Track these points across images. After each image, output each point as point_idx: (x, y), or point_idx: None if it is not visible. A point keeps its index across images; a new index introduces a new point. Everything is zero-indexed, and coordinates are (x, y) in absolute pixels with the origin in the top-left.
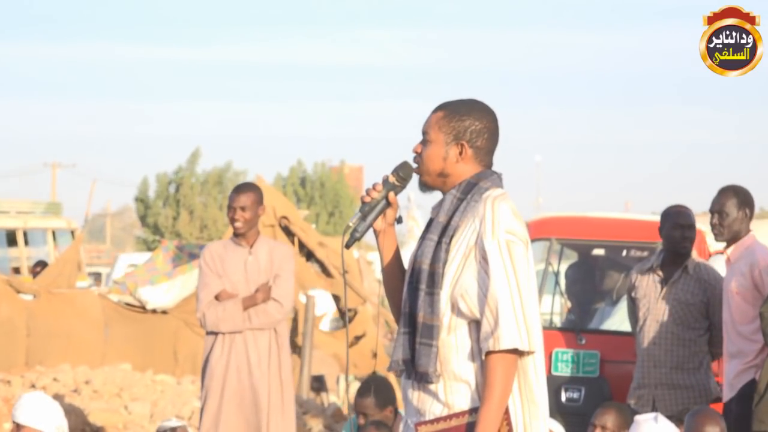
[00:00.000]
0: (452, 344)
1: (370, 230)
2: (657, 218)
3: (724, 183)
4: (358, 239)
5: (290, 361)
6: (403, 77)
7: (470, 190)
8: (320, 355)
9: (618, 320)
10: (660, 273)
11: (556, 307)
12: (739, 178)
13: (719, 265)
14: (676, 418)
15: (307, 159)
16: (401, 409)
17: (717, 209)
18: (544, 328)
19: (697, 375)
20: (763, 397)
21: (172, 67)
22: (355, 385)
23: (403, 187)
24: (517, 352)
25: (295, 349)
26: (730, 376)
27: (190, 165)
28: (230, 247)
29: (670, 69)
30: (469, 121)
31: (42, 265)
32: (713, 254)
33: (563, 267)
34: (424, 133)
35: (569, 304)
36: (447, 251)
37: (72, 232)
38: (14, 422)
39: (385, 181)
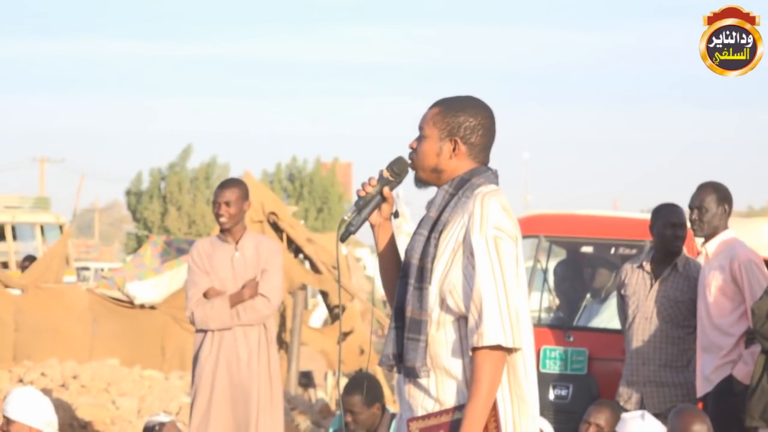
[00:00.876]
0: (441, 340)
1: (365, 225)
2: (645, 216)
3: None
4: (353, 233)
5: (278, 357)
6: (394, 75)
7: (462, 186)
8: (308, 351)
9: (606, 318)
10: (650, 270)
11: (545, 304)
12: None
13: None
14: (663, 416)
15: (297, 155)
16: (389, 406)
17: (696, 205)
18: (533, 325)
19: (686, 373)
20: (755, 393)
21: (163, 64)
22: (344, 382)
23: (398, 182)
24: (503, 349)
25: (283, 345)
26: (706, 370)
27: (181, 161)
28: (217, 244)
29: (660, 68)
30: (463, 117)
31: (30, 259)
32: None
33: (551, 264)
34: (420, 128)
35: (557, 302)
36: (436, 246)
37: (60, 227)
38: (4, 417)
39: (380, 175)
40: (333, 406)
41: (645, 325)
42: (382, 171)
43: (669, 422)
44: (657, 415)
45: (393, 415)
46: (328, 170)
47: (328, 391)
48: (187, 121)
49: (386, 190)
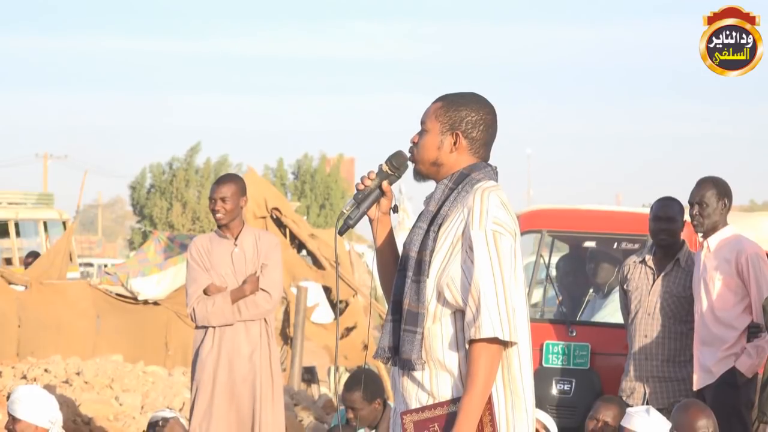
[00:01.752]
0: (437, 333)
1: (364, 219)
2: (647, 211)
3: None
4: (352, 226)
5: (278, 351)
6: (398, 71)
7: (462, 180)
8: (311, 347)
9: (609, 312)
10: (652, 265)
11: (547, 299)
12: (731, 172)
13: None
14: (667, 411)
15: (300, 152)
16: (391, 401)
17: (697, 200)
18: (535, 320)
19: (688, 368)
20: (767, 388)
21: (168, 60)
22: (346, 377)
23: (397, 176)
24: (500, 342)
25: (287, 340)
26: (708, 363)
27: (188, 158)
28: (216, 240)
29: (663, 63)
30: (465, 112)
31: (34, 255)
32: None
33: (554, 259)
34: (422, 122)
35: (560, 297)
36: (435, 240)
37: (64, 223)
38: (10, 416)
39: (379, 169)
40: (336, 402)
41: (647, 320)
42: (381, 165)
43: (672, 417)
44: (660, 410)
45: None
46: (331, 166)
47: (331, 386)
48: (192, 117)
49: (385, 184)
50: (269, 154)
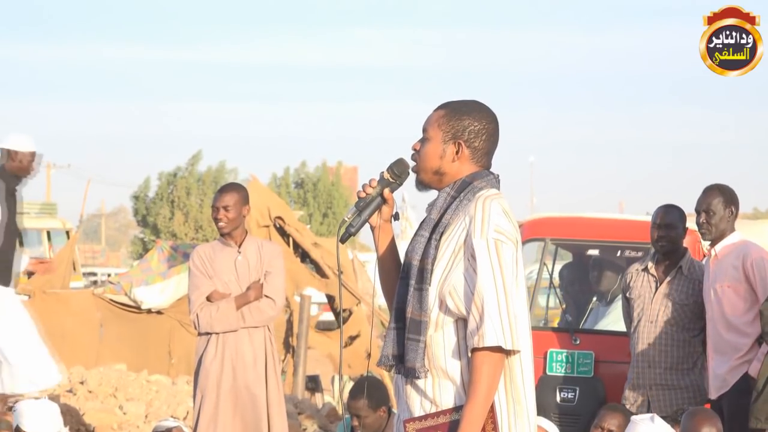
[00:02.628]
0: (440, 341)
1: (367, 227)
2: (650, 219)
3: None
4: (353, 234)
5: (279, 359)
6: (399, 78)
7: (464, 188)
8: (315, 355)
9: (612, 320)
10: (654, 273)
11: (551, 307)
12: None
13: None
14: (670, 419)
15: (301, 159)
16: (395, 409)
17: (704, 208)
18: (539, 329)
19: (692, 375)
20: (761, 395)
21: (168, 68)
22: (350, 386)
23: (398, 183)
24: (503, 351)
25: (290, 349)
26: (721, 372)
27: (190, 166)
28: (218, 248)
29: (665, 69)
30: (468, 121)
31: None
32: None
33: (558, 267)
34: (424, 130)
35: (563, 305)
36: (437, 248)
37: (67, 233)
38: (17, 428)
39: (381, 177)
40: (340, 410)
41: (650, 328)
42: (382, 172)
43: (682, 424)
44: (664, 418)
45: None
46: (333, 174)
47: (335, 395)
48: (194, 125)
49: (386, 191)
50: (270, 162)
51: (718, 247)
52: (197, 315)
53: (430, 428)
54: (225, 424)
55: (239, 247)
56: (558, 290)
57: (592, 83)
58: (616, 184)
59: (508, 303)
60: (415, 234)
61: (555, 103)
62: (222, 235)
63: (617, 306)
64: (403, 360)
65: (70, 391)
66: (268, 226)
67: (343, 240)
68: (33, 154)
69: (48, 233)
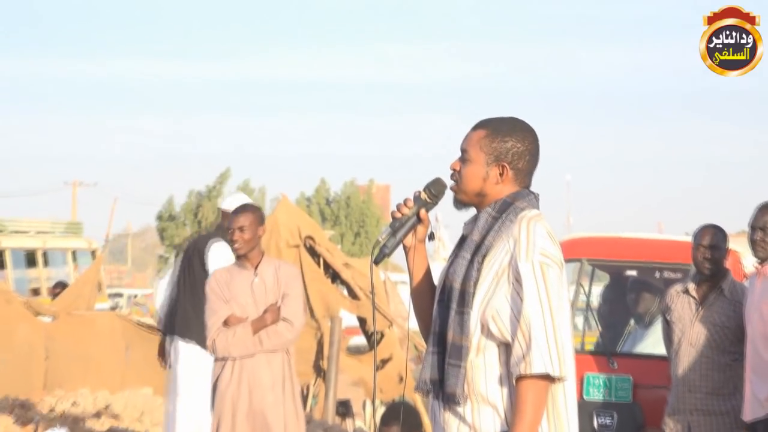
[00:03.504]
0: (480, 366)
1: (400, 247)
2: (690, 239)
3: (759, 201)
4: (388, 255)
5: (299, 383)
6: (431, 92)
7: (506, 209)
8: (345, 379)
9: (651, 343)
10: (695, 295)
11: (588, 330)
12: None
13: None
14: None
15: (333, 178)
16: None
17: (760, 225)
18: (576, 352)
19: (733, 400)
20: None
21: (195, 85)
22: (382, 411)
23: (434, 204)
24: (549, 378)
25: (320, 372)
26: (760, 394)
27: (218, 185)
28: (235, 271)
29: (707, 85)
30: (511, 143)
31: (61, 286)
32: (750, 276)
33: (594, 289)
34: (464, 151)
35: (600, 327)
36: (479, 270)
37: (92, 253)
38: None
39: (417, 197)
40: None
41: (690, 352)
42: (419, 192)
43: None
44: None
45: None
46: (364, 193)
47: (366, 420)
48: (221, 143)
49: (423, 212)
50: (298, 180)
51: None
52: (214, 340)
53: None
54: None
55: (255, 269)
56: (595, 312)
57: (630, 99)
58: (654, 203)
59: (555, 329)
60: (455, 255)
61: (592, 120)
62: (238, 257)
63: (656, 329)
64: (442, 385)
65: (95, 415)
66: (298, 246)
67: (377, 262)
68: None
69: (73, 253)
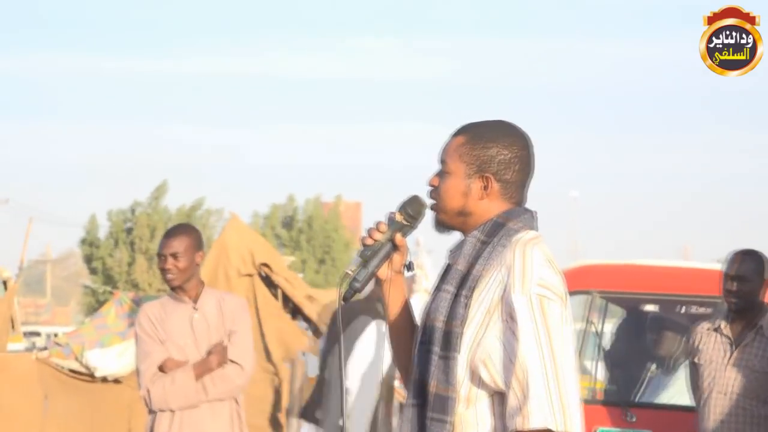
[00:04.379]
0: (471, 421)
1: (373, 279)
2: (721, 267)
3: None
4: (359, 290)
5: None
6: (409, 94)
7: (496, 231)
8: None
9: (675, 392)
10: (728, 334)
11: (600, 375)
12: None
13: None
14: None
15: (293, 193)
16: None
17: None
18: (585, 402)
19: None
20: None
21: (127, 82)
22: None
23: (412, 226)
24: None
25: (278, 427)
26: None
27: (153, 201)
28: (170, 305)
29: (736, 89)
30: (495, 149)
31: None
32: None
33: (607, 327)
34: (442, 162)
35: (614, 373)
36: (467, 306)
37: (3, 283)
38: None
39: (391, 219)
40: None
41: (723, 401)
42: (393, 214)
43: None
44: None
45: None
46: (330, 211)
47: None
48: (159, 152)
49: (399, 237)
50: (252, 196)
51: None
52: (148, 389)
53: None
54: None
55: (195, 302)
56: (607, 354)
57: (647, 100)
58: (678, 224)
59: (558, 374)
60: (437, 288)
61: (602, 126)
62: (172, 288)
63: (680, 375)
64: None
65: None
66: (251, 275)
67: (346, 298)
68: None
69: None
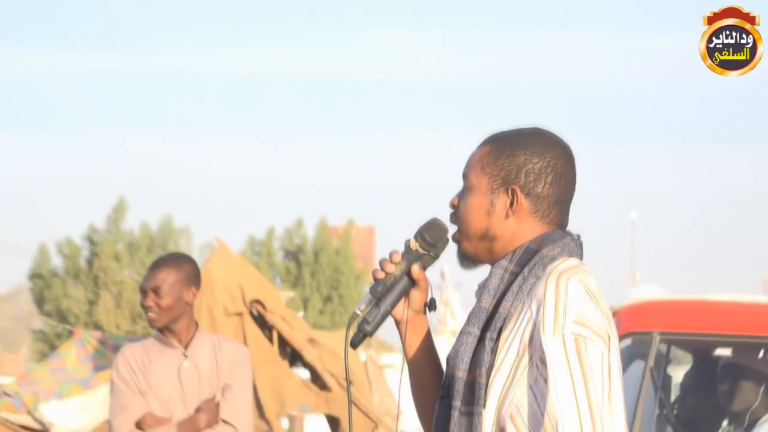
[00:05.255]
0: None
1: (388, 320)
2: None
3: None
4: (370, 334)
5: None
6: (432, 97)
7: (528, 260)
8: None
9: None
10: None
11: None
12: None
13: None
14: None
15: (293, 216)
16: None
17: None
18: None
19: None
20: None
21: (83, 83)
22: None
23: (433, 256)
24: None
25: None
26: None
27: (112, 224)
28: (155, 350)
29: None
30: (523, 157)
31: None
32: None
33: (673, 374)
34: (464, 177)
35: (681, 430)
36: (494, 351)
37: None
38: None
39: (407, 248)
40: None
41: None
42: (408, 241)
43: None
44: None
45: None
46: (339, 238)
47: None
48: (119, 165)
49: (416, 268)
50: (243, 220)
51: None
52: None
53: None
54: None
55: (185, 347)
56: (672, 408)
57: (718, 108)
58: (758, 253)
59: (596, 429)
60: (461, 332)
61: (666, 138)
62: (158, 330)
63: None
64: None
65: None
66: (240, 314)
67: (354, 344)
68: None
69: None
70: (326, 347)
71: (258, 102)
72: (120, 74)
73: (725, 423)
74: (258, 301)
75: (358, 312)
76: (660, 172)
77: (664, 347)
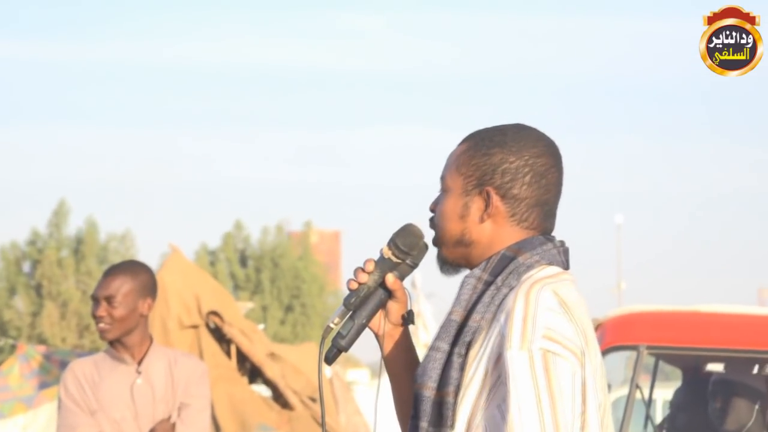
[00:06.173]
0: None
1: (364, 334)
2: None
3: None
4: (345, 349)
5: None
6: (406, 88)
7: (503, 268)
8: None
9: None
10: None
11: None
12: None
13: None
14: None
15: (251, 220)
16: None
17: None
18: None
19: None
20: None
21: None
22: None
23: (410, 265)
24: None
25: None
26: None
27: (53, 229)
28: (106, 366)
29: None
30: (499, 156)
31: None
32: None
33: (659, 392)
34: (442, 178)
35: None
36: (462, 368)
37: None
38: None
39: (381, 256)
40: None
41: None
42: (382, 249)
43: None
44: None
45: None
46: (299, 242)
47: None
48: (64, 166)
49: (390, 278)
50: (198, 225)
51: None
52: None
53: None
54: None
55: (139, 363)
56: (659, 428)
57: (712, 106)
58: (751, 261)
59: None
60: (431, 347)
61: (654, 138)
62: (110, 343)
63: None
64: None
65: None
66: (196, 327)
67: (329, 360)
68: None
69: None
70: (288, 362)
71: (214, 96)
72: (55, 64)
73: None
74: (215, 313)
75: (331, 326)
76: (649, 173)
77: (651, 362)
